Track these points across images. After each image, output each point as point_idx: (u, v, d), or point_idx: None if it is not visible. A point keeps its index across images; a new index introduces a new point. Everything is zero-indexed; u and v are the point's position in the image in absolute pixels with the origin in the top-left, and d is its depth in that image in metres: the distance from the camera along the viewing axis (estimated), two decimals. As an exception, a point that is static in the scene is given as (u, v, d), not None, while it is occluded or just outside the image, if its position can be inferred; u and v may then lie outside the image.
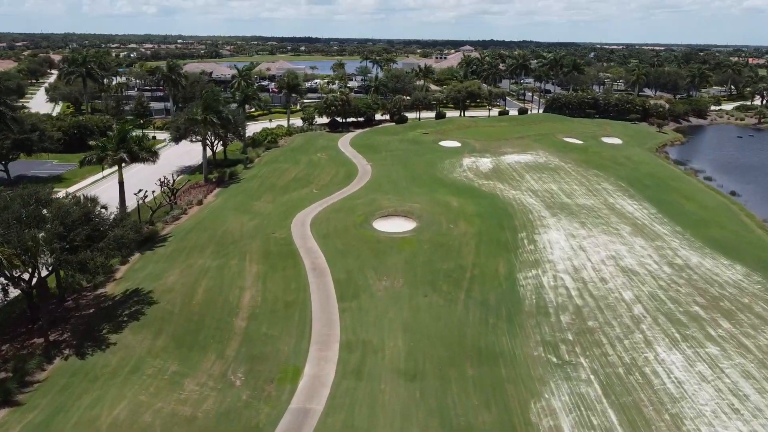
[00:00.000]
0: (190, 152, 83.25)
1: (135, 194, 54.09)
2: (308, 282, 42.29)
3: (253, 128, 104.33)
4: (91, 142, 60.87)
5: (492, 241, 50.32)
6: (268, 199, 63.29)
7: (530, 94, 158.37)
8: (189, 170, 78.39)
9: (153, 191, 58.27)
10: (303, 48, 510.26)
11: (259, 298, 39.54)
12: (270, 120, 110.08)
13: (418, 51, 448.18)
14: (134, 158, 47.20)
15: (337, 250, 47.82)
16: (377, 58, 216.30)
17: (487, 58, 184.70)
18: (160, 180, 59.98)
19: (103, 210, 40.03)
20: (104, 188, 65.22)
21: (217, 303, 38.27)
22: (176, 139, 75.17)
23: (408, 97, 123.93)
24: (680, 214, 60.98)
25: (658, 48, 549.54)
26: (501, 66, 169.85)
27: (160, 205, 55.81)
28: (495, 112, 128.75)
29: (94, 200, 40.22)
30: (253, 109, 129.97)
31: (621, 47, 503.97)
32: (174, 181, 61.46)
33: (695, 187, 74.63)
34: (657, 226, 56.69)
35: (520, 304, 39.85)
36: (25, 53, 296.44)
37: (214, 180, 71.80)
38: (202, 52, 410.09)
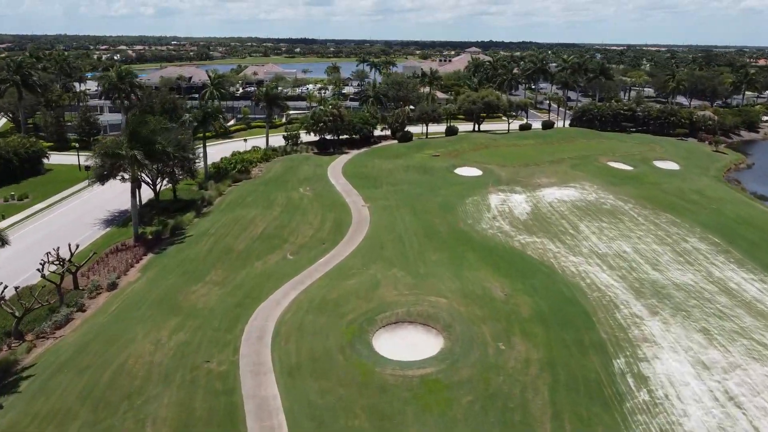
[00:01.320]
0: (129, 190, 62.46)
1: (-9, 289, 33.33)
2: None
3: (225, 148, 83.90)
4: None
5: (576, 384, 29.67)
6: (217, 277, 42.60)
7: (555, 104, 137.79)
8: (122, 218, 57.67)
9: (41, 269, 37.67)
10: (298, 49, 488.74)
11: None
12: (245, 140, 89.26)
13: (417, 52, 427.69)
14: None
15: (309, 412, 27.18)
16: (375, 60, 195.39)
17: (500, 61, 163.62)
18: (47, 255, 39.21)
19: None
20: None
21: None
22: (101, 178, 54.47)
23: (412, 108, 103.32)
24: (833, 301, 40.56)
25: (659, 48, 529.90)
26: (515, 70, 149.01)
27: (29, 308, 34.60)
28: (515, 125, 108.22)
29: None
30: (231, 122, 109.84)
31: (621, 48, 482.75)
32: (71, 255, 40.68)
33: (816, 244, 54.21)
34: (815, 331, 36.23)
35: None
36: (2, 55, 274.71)
37: (150, 236, 51.15)
38: (192, 54, 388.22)
